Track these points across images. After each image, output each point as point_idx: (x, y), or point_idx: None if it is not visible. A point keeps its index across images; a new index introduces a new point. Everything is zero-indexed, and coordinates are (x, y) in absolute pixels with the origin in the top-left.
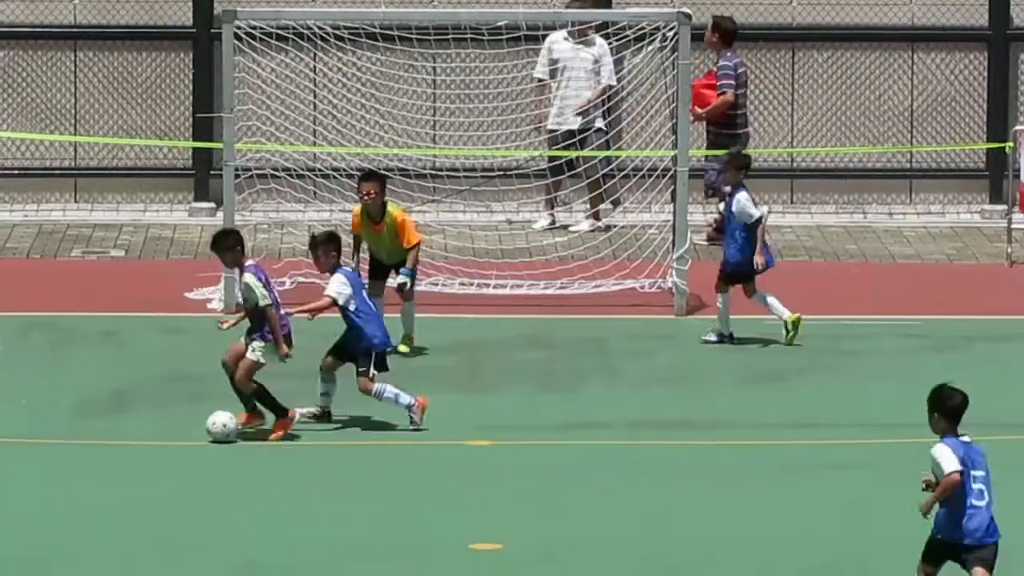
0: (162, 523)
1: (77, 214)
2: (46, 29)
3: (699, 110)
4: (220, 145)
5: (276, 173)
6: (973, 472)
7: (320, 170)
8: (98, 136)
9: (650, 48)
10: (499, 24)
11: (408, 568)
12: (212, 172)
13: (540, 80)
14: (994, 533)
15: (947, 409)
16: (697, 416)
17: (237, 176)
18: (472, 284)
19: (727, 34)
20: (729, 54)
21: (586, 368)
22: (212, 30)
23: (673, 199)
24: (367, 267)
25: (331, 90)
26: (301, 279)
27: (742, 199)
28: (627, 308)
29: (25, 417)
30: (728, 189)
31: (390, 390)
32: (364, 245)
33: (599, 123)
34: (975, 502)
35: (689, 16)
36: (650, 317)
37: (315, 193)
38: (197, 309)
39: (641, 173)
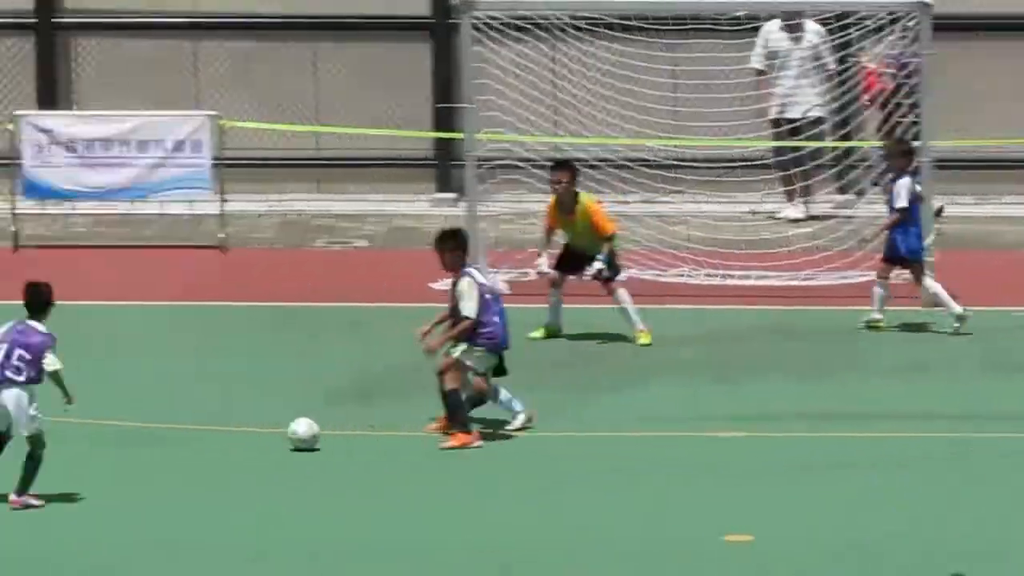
0: (403, 513)
1: (320, 204)
2: (287, 19)
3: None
4: (462, 135)
5: (518, 163)
6: None
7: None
8: (339, 126)
9: (890, 38)
10: (737, 14)
11: (661, 560)
12: (454, 163)
13: (758, 71)
14: None
15: None
16: (949, 407)
17: (479, 166)
18: (717, 275)
19: None
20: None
21: (835, 359)
22: (450, 20)
23: None
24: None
25: (571, 80)
26: (545, 269)
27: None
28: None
29: (281, 406)
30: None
31: (504, 394)
32: (555, 238)
33: (817, 111)
34: None
35: (930, 6)
36: (896, 308)
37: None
38: (442, 299)
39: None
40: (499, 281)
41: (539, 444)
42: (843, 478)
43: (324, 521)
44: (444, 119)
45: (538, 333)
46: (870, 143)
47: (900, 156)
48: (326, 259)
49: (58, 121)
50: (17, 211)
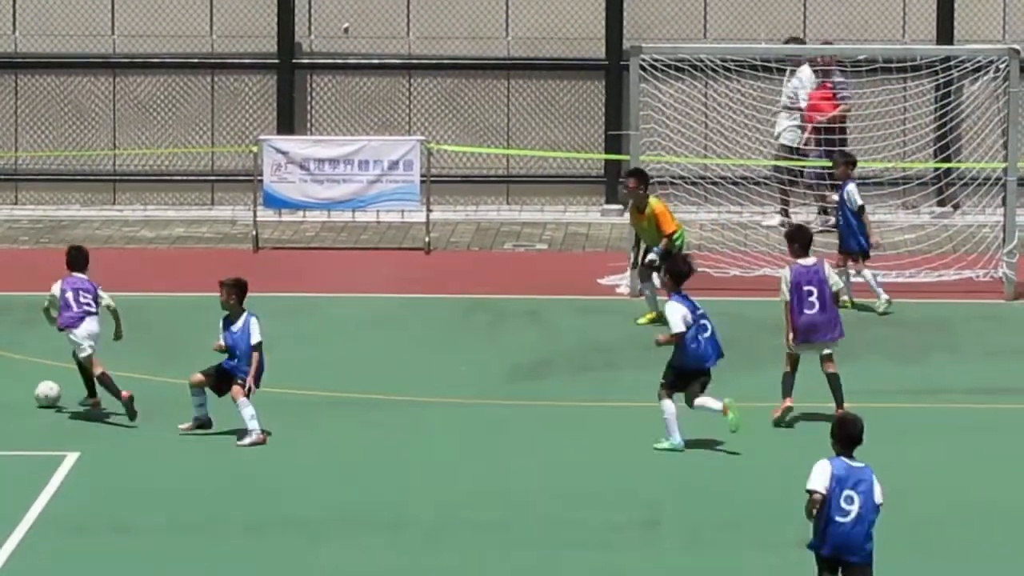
0: (585, 473)
1: (508, 214)
2: (485, 60)
3: (819, 116)
4: (627, 158)
5: (673, 180)
6: None
7: (710, 178)
8: (527, 149)
9: (985, 78)
10: (859, 58)
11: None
12: (620, 180)
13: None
14: None
15: None
16: None
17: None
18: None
19: None
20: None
21: (931, 343)
22: (621, 62)
23: (1004, 203)
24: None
25: (719, 112)
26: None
27: None
28: (964, 294)
29: (468, 381)
30: None
31: (670, 410)
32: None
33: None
34: None
35: (1018, 51)
36: (984, 301)
37: (706, 198)
38: (606, 293)
39: (977, 181)
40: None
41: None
42: (929, 441)
43: (519, 472)
44: (613, 144)
45: (645, 319)
46: (966, 164)
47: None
48: (512, 259)
49: (294, 144)
50: (258, 219)
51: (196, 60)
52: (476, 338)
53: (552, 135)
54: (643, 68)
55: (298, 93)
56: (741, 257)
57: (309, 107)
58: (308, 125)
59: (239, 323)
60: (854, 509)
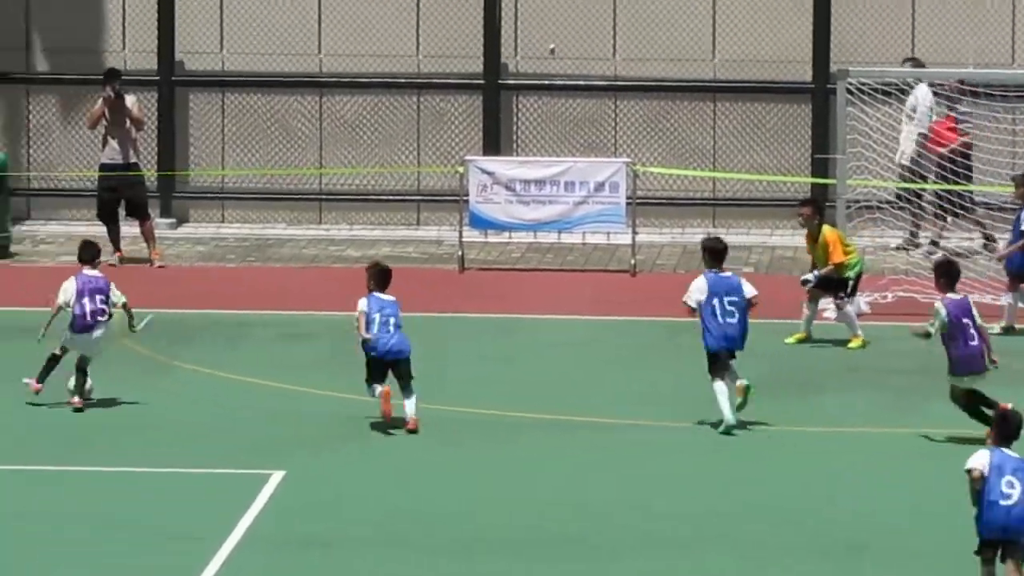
0: (786, 495)
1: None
2: (692, 83)
3: (940, 148)
4: (834, 181)
5: (879, 205)
6: None
7: (918, 203)
8: (732, 172)
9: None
10: None
11: None
12: (828, 204)
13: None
14: None
15: None
16: None
17: (848, 207)
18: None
19: None
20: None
21: None
22: (828, 85)
23: None
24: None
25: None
26: (901, 293)
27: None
28: None
29: (669, 403)
30: None
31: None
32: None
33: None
34: None
35: None
36: None
37: (913, 222)
38: (816, 317)
39: None
40: (862, 302)
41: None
42: None
43: (714, 493)
44: (819, 167)
45: (792, 339)
46: None
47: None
48: None
49: (500, 165)
50: (464, 239)
51: (403, 80)
52: (680, 361)
53: (758, 158)
54: (850, 91)
55: (504, 114)
56: None
57: (515, 128)
58: (514, 146)
59: None
60: (1015, 493)
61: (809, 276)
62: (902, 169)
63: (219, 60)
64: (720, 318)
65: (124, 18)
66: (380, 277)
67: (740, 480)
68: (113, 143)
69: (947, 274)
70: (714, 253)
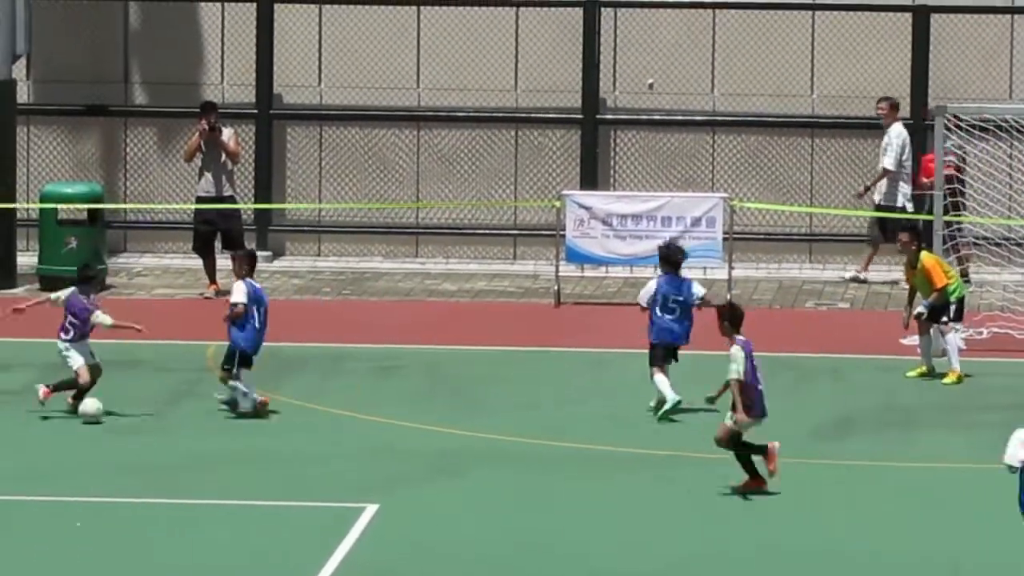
0: (888, 533)
1: (810, 272)
2: (789, 118)
3: (926, 180)
4: (931, 217)
5: (976, 240)
6: None
7: (1014, 239)
8: (830, 207)
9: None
10: None
11: None
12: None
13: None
14: None
15: None
16: None
17: (944, 242)
18: None
19: None
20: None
21: None
22: (926, 122)
23: None
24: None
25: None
26: (996, 330)
27: None
28: None
29: (775, 437)
30: None
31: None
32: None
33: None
34: None
35: None
36: None
37: (1009, 258)
38: (909, 352)
39: None
40: (958, 339)
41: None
42: None
43: (815, 530)
44: (917, 203)
45: (913, 372)
46: None
47: None
48: (814, 318)
49: (597, 200)
50: (560, 273)
51: (501, 114)
52: (777, 396)
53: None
54: (947, 128)
55: (602, 148)
56: None
57: (612, 162)
58: (611, 180)
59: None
60: None
61: (921, 308)
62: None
63: (317, 94)
64: (662, 314)
65: (223, 51)
66: (253, 261)
67: (843, 516)
68: (209, 176)
69: None
70: (666, 260)
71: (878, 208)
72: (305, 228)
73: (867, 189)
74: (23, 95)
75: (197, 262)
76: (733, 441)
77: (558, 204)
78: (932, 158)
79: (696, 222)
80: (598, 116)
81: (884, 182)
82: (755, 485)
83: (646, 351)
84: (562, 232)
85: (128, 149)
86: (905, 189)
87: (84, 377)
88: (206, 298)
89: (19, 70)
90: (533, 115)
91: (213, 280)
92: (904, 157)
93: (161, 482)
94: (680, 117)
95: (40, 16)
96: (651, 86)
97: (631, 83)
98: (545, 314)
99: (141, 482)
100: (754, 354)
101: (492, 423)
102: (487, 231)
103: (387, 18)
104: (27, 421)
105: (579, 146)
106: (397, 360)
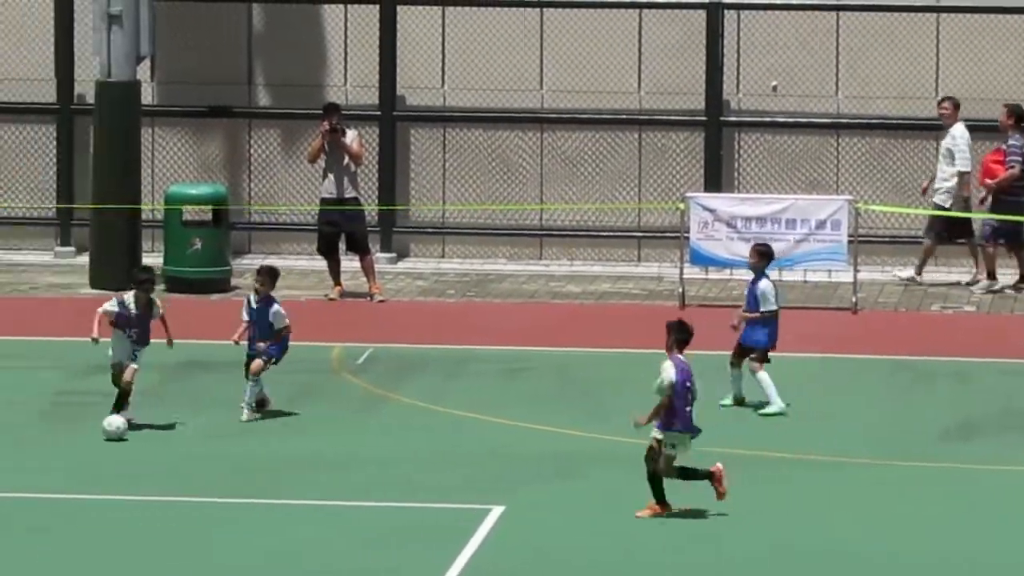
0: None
1: (936, 275)
2: (911, 120)
3: (988, 182)
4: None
5: None
6: None
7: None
8: (956, 210)
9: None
10: None
11: None
12: None
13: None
14: None
15: None
16: None
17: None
18: None
19: (1020, 118)
20: (1018, 135)
21: None
22: None
23: None
24: None
25: None
26: None
27: None
28: None
29: (895, 441)
30: None
31: None
32: None
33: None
34: None
35: None
36: None
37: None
38: None
39: None
40: None
41: None
42: None
43: (947, 536)
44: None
45: None
46: None
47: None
48: (939, 321)
49: (722, 202)
50: (685, 276)
51: (624, 116)
52: (901, 399)
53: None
54: None
55: (726, 151)
56: None
57: (736, 165)
58: (735, 183)
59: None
60: None
61: None
62: (934, 207)
63: (440, 95)
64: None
65: (346, 53)
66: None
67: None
68: (332, 177)
69: None
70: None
71: (937, 208)
72: (429, 230)
73: (948, 192)
74: (147, 97)
75: (321, 264)
76: (670, 466)
77: (682, 206)
78: (994, 159)
79: (821, 224)
80: (722, 118)
81: (951, 182)
82: (660, 511)
83: (772, 353)
84: (686, 234)
85: (252, 150)
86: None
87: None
88: (330, 300)
89: (143, 72)
90: (657, 117)
91: (337, 282)
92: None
93: (284, 483)
94: (804, 119)
95: (164, 18)
96: (775, 88)
97: (755, 85)
98: (669, 316)
99: (264, 482)
100: (692, 379)
101: (617, 426)
102: (611, 233)
103: (510, 20)
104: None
105: (703, 148)
106: (521, 362)
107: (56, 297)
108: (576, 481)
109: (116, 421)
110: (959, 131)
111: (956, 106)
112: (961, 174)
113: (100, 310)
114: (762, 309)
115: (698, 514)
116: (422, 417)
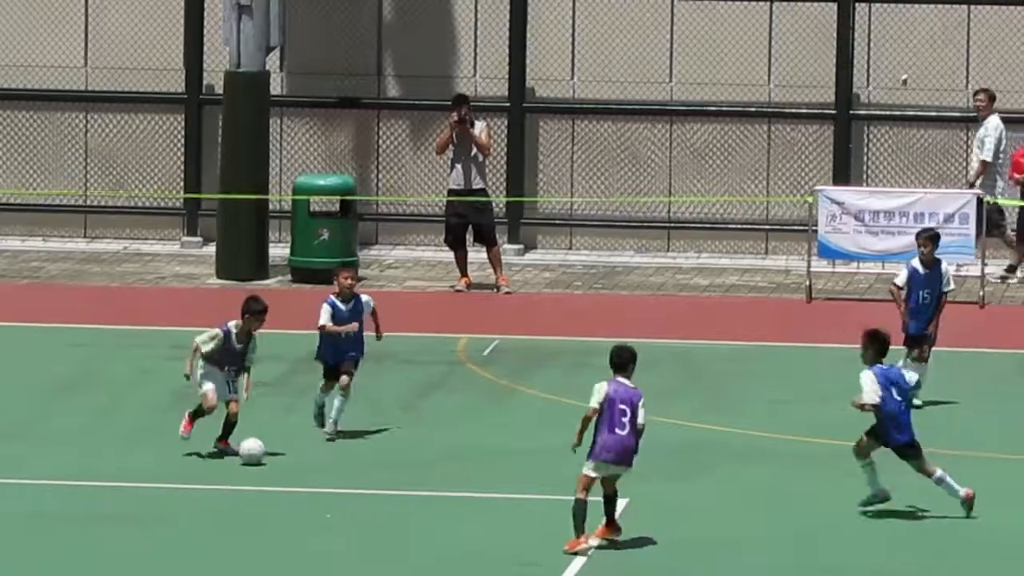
0: None
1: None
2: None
3: (1018, 176)
4: None
5: None
6: None
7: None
8: None
9: None
10: None
11: None
12: None
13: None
14: None
15: None
16: None
17: None
18: None
19: None
20: None
21: None
22: None
23: None
24: None
25: None
26: None
27: None
28: None
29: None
30: None
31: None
32: None
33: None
34: None
35: None
36: None
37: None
38: None
39: None
40: None
41: None
42: None
43: None
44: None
45: None
46: None
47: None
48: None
49: (850, 195)
50: (812, 269)
51: (753, 109)
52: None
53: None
54: None
55: (855, 144)
56: None
57: (865, 158)
58: (864, 176)
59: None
60: None
61: None
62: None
63: (570, 87)
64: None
65: (476, 45)
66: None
67: None
68: (460, 168)
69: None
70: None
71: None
72: (557, 222)
73: (972, 184)
74: (276, 87)
75: (449, 255)
76: (586, 489)
77: (810, 199)
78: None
79: (949, 218)
80: (851, 112)
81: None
82: (609, 534)
83: (896, 347)
84: (814, 227)
85: (380, 141)
86: (1000, 183)
87: (210, 401)
88: (457, 291)
89: (272, 62)
90: (786, 110)
91: (464, 273)
92: (1001, 149)
93: (413, 475)
94: (934, 113)
95: (294, 9)
96: (905, 82)
97: (885, 79)
98: (797, 309)
99: (396, 475)
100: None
101: (744, 419)
102: (739, 226)
103: (641, 12)
104: (285, 412)
105: (832, 141)
106: (649, 355)
107: (182, 287)
108: (702, 473)
109: (254, 448)
110: (992, 123)
111: (991, 98)
112: (984, 164)
113: (199, 342)
114: (944, 290)
115: (836, 505)
116: (547, 408)
